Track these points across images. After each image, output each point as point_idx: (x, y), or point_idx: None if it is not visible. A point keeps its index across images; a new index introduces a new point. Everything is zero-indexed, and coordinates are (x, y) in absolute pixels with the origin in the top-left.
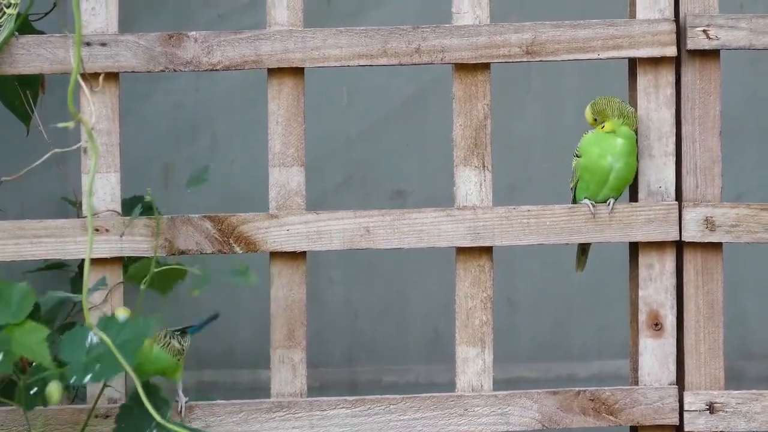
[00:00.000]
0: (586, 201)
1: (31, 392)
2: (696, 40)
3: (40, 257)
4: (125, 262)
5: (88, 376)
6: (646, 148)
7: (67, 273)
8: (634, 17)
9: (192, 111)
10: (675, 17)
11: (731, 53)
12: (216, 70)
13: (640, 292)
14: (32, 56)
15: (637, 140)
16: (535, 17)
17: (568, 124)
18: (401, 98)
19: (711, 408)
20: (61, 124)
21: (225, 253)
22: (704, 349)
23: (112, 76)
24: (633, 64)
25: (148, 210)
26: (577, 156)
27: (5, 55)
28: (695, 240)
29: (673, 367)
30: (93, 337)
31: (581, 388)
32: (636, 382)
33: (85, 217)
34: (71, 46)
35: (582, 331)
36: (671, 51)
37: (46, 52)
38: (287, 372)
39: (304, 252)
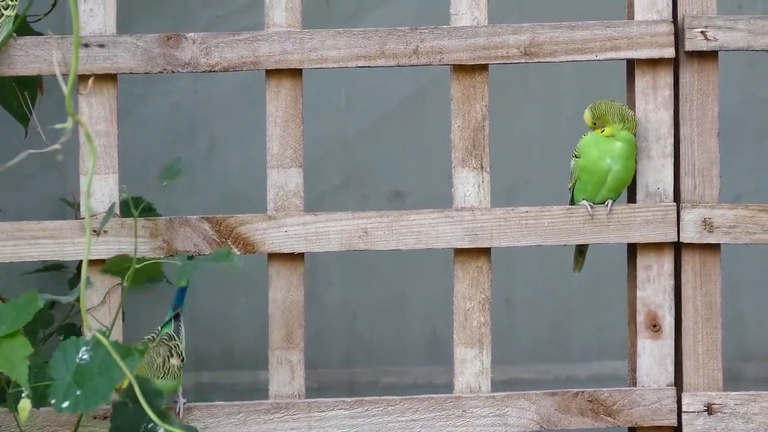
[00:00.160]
0: (584, 202)
1: (23, 395)
2: (694, 42)
3: (38, 258)
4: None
5: (66, 404)
6: (645, 149)
7: (65, 274)
8: (633, 18)
9: (190, 112)
10: (673, 18)
11: (729, 54)
12: (214, 71)
13: (639, 293)
14: (30, 57)
15: (635, 142)
16: (534, 18)
17: (567, 125)
18: (399, 99)
19: (709, 409)
20: (59, 126)
21: None
22: (702, 351)
23: (111, 78)
24: (631, 65)
25: (147, 211)
26: (576, 157)
27: (3, 57)
28: (693, 241)
29: (671, 368)
30: (84, 354)
31: (579, 389)
32: (634, 383)
33: (84, 218)
34: (69, 48)
35: (580, 332)
36: (669, 52)
37: (44, 54)
38: (285, 373)
39: (302, 253)
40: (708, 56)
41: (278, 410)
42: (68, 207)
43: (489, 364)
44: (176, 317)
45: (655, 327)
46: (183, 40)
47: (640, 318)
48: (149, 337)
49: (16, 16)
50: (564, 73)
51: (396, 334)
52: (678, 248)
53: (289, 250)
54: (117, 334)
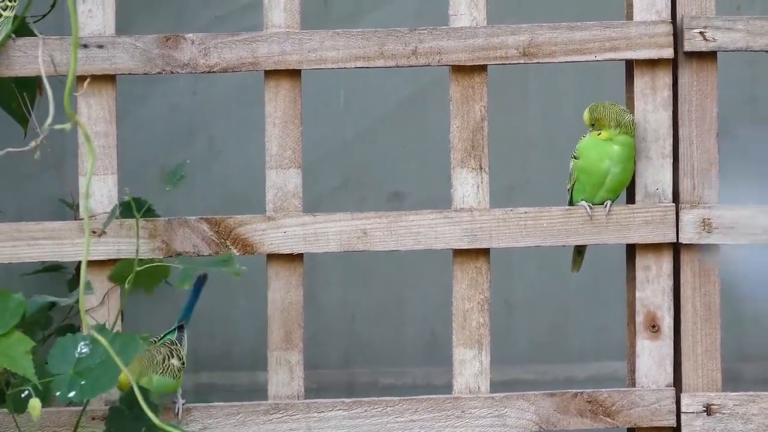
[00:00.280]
0: (583, 203)
1: (22, 395)
2: (693, 42)
3: (37, 259)
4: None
5: (72, 393)
6: (644, 149)
7: (64, 275)
8: (631, 19)
9: (189, 113)
10: (672, 19)
11: (728, 55)
12: (213, 72)
13: (638, 294)
14: (29, 58)
15: (634, 144)
16: (533, 19)
17: (566, 125)
18: (398, 100)
19: (708, 410)
20: (57, 126)
21: None
22: (701, 351)
23: (109, 78)
24: (630, 65)
25: (146, 212)
26: (575, 158)
27: (2, 57)
28: (692, 242)
29: (670, 369)
30: (83, 348)
31: (578, 390)
32: (633, 384)
33: (83, 219)
34: (68, 48)
35: (579, 333)
36: (668, 53)
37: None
38: (284, 374)
39: (301, 254)
40: (707, 57)
41: (277, 411)
42: (67, 208)
43: (488, 365)
44: (180, 328)
45: (654, 328)
46: (182, 40)
47: (639, 319)
48: (152, 339)
49: (15, 16)
50: (563, 74)
51: (395, 335)
52: (677, 249)
53: (288, 251)
54: None
